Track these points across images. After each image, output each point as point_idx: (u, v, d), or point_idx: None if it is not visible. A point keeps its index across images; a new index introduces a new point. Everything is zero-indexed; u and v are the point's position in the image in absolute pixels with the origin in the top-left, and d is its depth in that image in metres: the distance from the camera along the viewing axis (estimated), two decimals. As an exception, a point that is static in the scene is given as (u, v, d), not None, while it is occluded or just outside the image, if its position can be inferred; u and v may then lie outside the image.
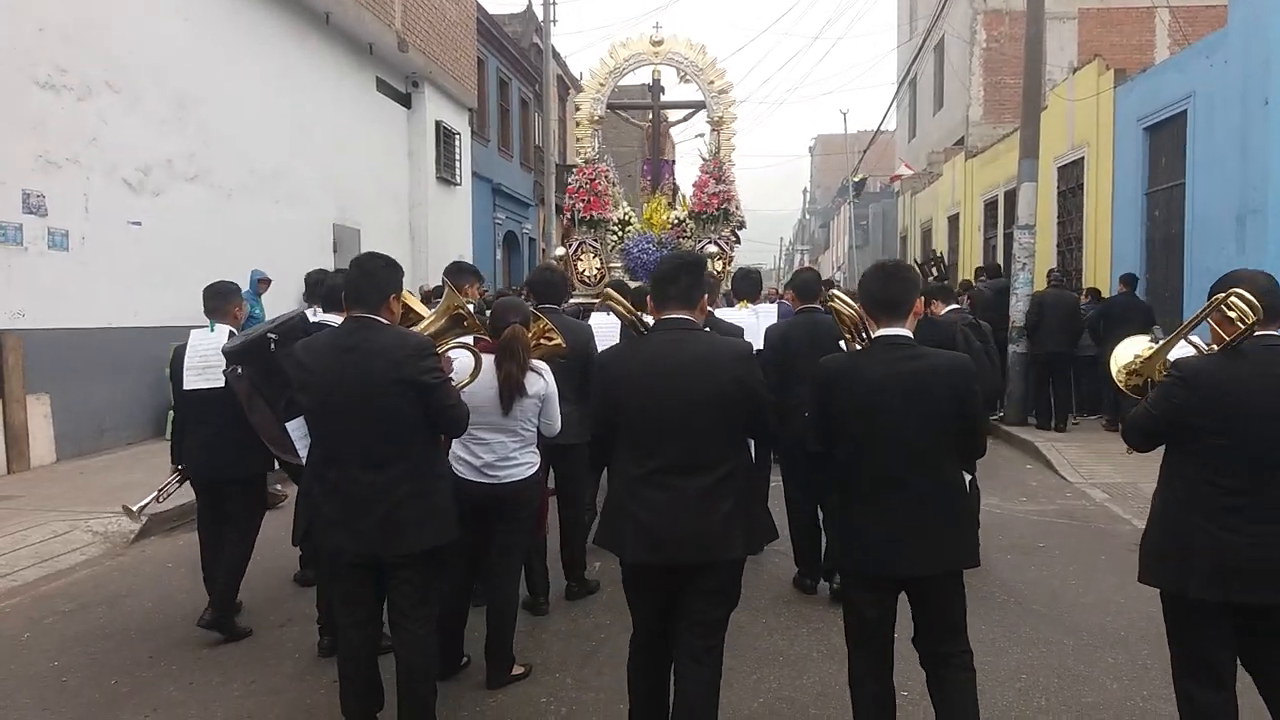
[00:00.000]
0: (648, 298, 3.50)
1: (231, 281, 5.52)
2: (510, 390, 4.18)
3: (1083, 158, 14.38)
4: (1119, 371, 3.60)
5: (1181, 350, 3.34)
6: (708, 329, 3.68)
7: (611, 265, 13.05)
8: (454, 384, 3.80)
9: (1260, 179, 9.50)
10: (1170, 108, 11.47)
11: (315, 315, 5.38)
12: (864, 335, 3.39)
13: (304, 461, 3.94)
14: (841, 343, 3.90)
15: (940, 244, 23.58)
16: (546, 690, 4.45)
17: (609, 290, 4.98)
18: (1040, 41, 11.78)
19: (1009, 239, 18.12)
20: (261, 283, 11.51)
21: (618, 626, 5.04)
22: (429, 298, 10.83)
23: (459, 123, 20.01)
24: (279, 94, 13.47)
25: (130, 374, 10.45)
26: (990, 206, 19.28)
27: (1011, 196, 17.68)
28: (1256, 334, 2.98)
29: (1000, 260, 18.41)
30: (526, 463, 4.38)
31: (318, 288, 5.94)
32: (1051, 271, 13.05)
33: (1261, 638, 3.07)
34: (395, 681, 3.70)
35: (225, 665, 4.75)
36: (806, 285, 6.11)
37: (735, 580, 3.38)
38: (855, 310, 3.40)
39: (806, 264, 64.78)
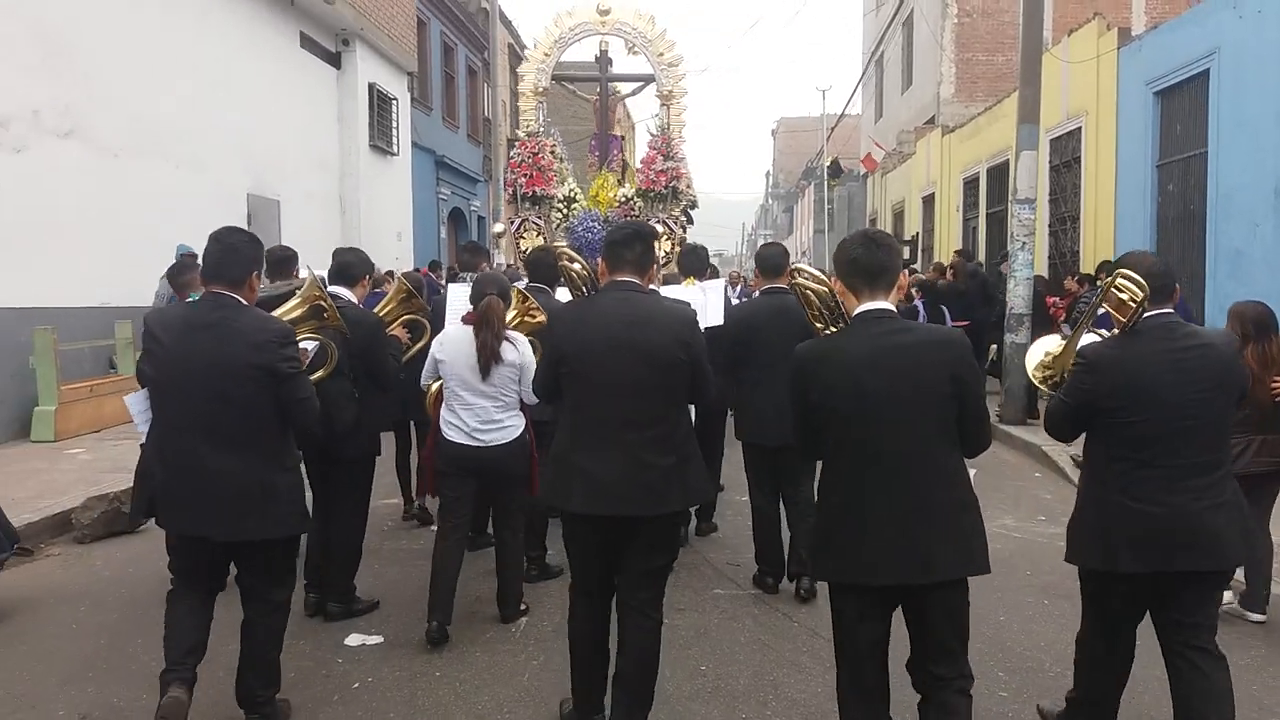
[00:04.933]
0: (599, 260, 3.57)
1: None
2: (486, 357, 4.39)
3: (1080, 128, 13.08)
4: (1034, 371, 3.74)
5: (1088, 340, 3.40)
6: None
7: (556, 244, 12.26)
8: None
9: (1306, 144, 8.25)
10: (1187, 68, 10.17)
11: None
12: (840, 316, 2.94)
13: (144, 438, 3.72)
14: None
15: (914, 226, 22.35)
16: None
17: (564, 257, 4.59)
18: (1042, -11, 10.45)
19: (991, 219, 16.95)
20: (189, 258, 9.80)
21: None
22: (380, 282, 9.28)
23: (396, 87, 18.32)
24: (180, 43, 11.76)
25: (-17, 363, 8.82)
26: (970, 185, 18.00)
27: (995, 173, 16.49)
28: (1150, 313, 3.13)
29: (983, 241, 17.23)
30: (511, 425, 4.56)
31: (288, 264, 5.95)
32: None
33: (1172, 609, 3.17)
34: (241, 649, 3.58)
35: None
36: (770, 262, 5.41)
37: (674, 534, 3.52)
38: (826, 287, 2.98)
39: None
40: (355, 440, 4.68)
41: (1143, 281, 3.06)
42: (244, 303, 3.43)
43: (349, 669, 4.26)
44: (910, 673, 2.89)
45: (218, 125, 12.58)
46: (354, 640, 4.54)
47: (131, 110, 10.79)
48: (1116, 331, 3.23)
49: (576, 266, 3.81)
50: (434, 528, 6.27)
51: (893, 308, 2.84)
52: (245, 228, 12.19)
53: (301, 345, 3.80)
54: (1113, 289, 3.17)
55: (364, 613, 4.85)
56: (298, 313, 3.92)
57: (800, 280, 3.09)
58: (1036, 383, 3.75)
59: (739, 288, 17.77)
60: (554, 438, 3.49)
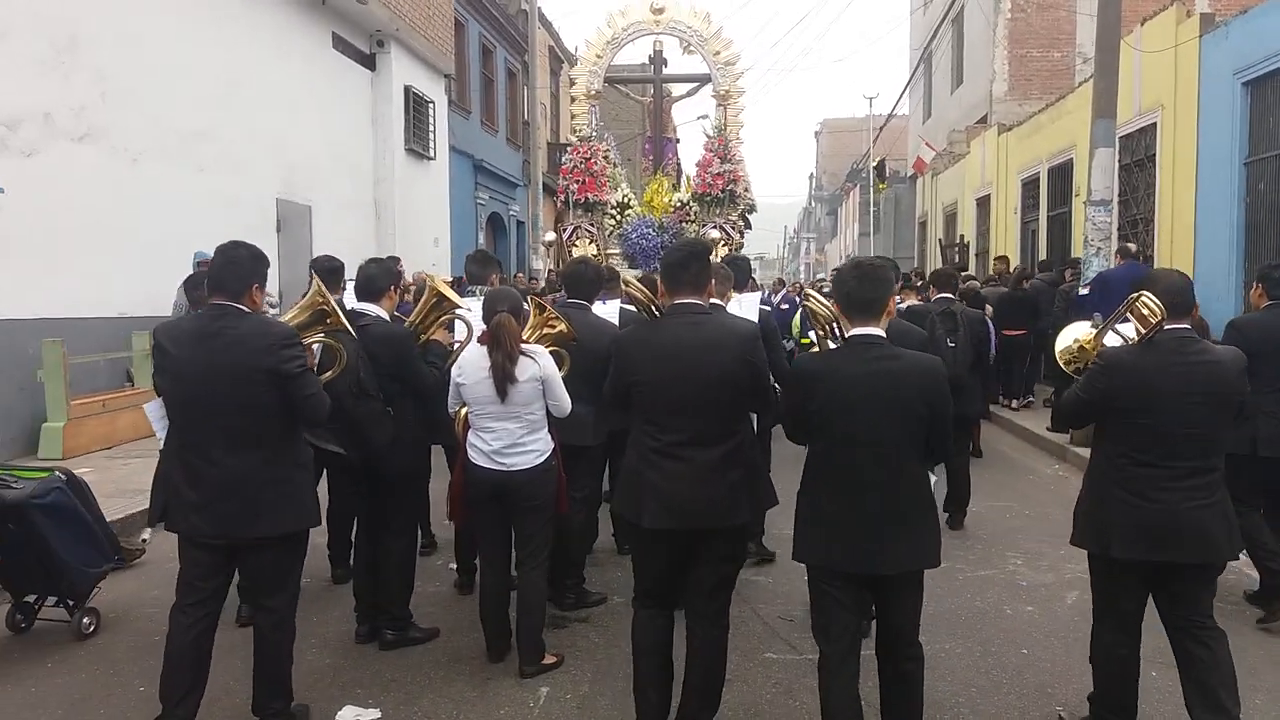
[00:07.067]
0: (658, 281, 3.80)
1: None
2: (501, 378, 4.20)
3: (1154, 124, 12.21)
4: (1060, 355, 4.10)
5: (1113, 339, 3.84)
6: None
7: (609, 251, 11.73)
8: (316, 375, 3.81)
9: None
10: (1282, 55, 9.31)
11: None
12: (838, 334, 3.37)
13: (162, 444, 4.02)
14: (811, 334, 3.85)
15: (967, 228, 21.44)
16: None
17: (627, 277, 5.11)
18: (1120, -27, 9.64)
19: (1053, 221, 16.05)
20: (203, 264, 9.41)
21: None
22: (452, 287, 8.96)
23: (433, 90, 17.82)
24: (204, 42, 11.30)
25: (-11, 377, 8.37)
26: (1030, 185, 17.09)
27: (1057, 173, 15.60)
28: (1167, 327, 3.49)
29: (1043, 245, 16.33)
30: (535, 450, 4.36)
31: (336, 275, 5.87)
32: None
33: (1169, 594, 3.55)
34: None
35: None
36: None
37: (741, 544, 3.71)
38: (830, 309, 3.46)
39: (814, 253, 62.57)
40: (395, 458, 4.59)
41: (1160, 305, 3.44)
42: (245, 310, 3.57)
43: (340, 752, 3.65)
44: (876, 648, 3.34)
45: (245, 128, 12.12)
46: (347, 715, 3.92)
47: (151, 112, 10.32)
48: (1135, 340, 3.60)
49: (637, 294, 3.92)
50: (452, 565, 5.69)
51: (882, 333, 3.23)
52: (275, 234, 11.77)
53: (310, 347, 3.94)
54: (1136, 305, 3.53)
55: (422, 641, 4.70)
56: (301, 319, 3.93)
57: (809, 303, 3.73)
58: (1061, 364, 4.12)
59: (781, 294, 16.99)
60: (624, 454, 3.68)
